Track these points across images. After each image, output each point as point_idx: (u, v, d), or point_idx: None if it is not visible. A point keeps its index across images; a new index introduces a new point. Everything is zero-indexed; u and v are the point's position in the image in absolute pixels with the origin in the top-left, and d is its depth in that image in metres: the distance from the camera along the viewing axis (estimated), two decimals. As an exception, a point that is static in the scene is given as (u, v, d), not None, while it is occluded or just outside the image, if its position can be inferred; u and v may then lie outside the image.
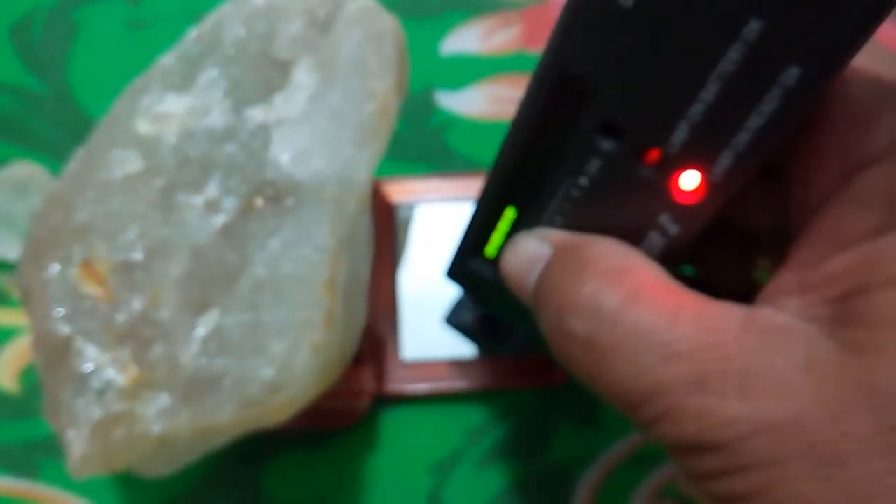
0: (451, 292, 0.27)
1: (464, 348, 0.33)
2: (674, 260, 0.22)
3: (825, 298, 0.18)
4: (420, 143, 0.37)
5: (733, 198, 0.20)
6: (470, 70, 0.38)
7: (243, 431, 0.25)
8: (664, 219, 0.21)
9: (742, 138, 0.19)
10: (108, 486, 0.32)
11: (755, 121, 0.18)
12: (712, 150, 0.19)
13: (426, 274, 0.34)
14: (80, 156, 0.26)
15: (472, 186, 0.35)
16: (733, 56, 0.17)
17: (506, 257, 0.24)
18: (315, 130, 0.25)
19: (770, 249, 0.24)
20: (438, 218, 0.35)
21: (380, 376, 0.33)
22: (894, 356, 0.16)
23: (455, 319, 0.32)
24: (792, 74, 0.17)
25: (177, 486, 0.32)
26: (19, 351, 0.34)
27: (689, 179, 0.20)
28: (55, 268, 0.24)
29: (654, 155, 0.20)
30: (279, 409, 0.24)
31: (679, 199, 0.21)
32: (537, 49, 0.38)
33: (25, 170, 0.35)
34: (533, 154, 0.22)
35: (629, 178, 0.21)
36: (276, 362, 0.23)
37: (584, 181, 0.22)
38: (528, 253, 0.23)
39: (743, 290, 0.23)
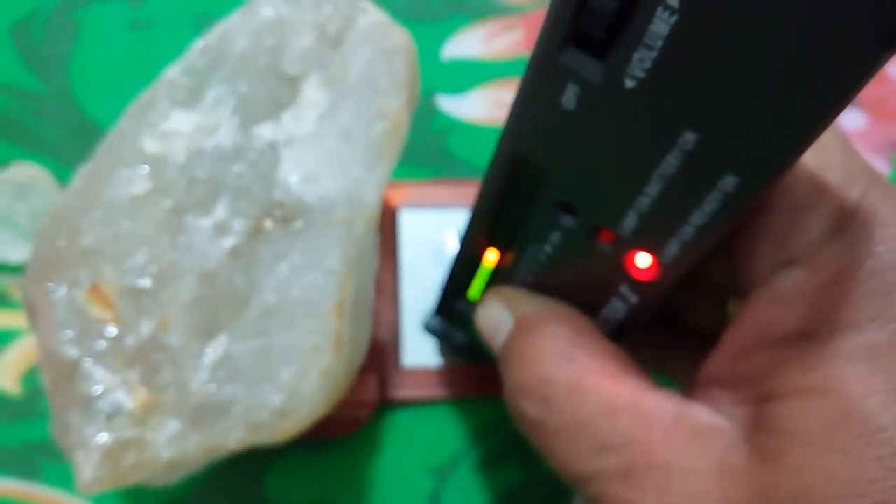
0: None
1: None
2: (643, 318, 0.23)
3: (747, 398, 0.19)
4: (421, 147, 0.37)
5: (686, 274, 0.21)
6: (472, 74, 0.38)
7: (248, 448, 0.25)
8: (624, 289, 0.22)
9: (687, 230, 0.19)
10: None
11: (698, 217, 0.19)
12: (660, 237, 0.20)
13: (427, 279, 0.34)
14: (85, 172, 0.26)
15: (474, 193, 0.35)
16: (672, 161, 0.17)
17: (478, 316, 0.26)
18: (324, 150, 0.25)
19: (739, 293, 0.24)
20: (439, 224, 0.35)
21: (382, 383, 0.33)
22: (792, 465, 0.17)
23: (434, 326, 0.32)
24: (729, 182, 0.17)
25: (178, 489, 0.32)
26: (21, 353, 0.34)
27: (643, 259, 0.21)
28: (62, 290, 0.24)
29: (607, 235, 0.21)
30: (286, 431, 0.24)
31: (635, 275, 0.22)
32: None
33: (26, 171, 0.35)
34: (502, 215, 0.23)
35: (587, 252, 0.22)
36: (285, 389, 0.24)
37: (548, 248, 0.23)
38: (494, 320, 0.25)
39: (714, 325, 0.24)
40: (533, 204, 0.22)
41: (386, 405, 0.33)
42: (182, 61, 0.26)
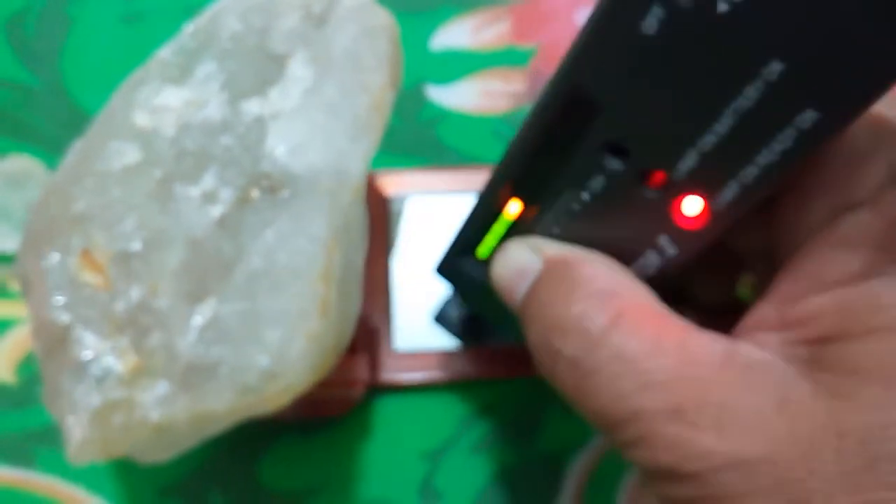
0: (443, 285, 0.28)
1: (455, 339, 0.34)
2: (668, 279, 0.22)
3: (803, 339, 0.19)
4: (412, 136, 0.37)
5: (734, 225, 0.20)
6: (461, 64, 0.38)
7: (240, 418, 0.25)
8: (663, 240, 0.21)
9: (750, 172, 0.18)
10: (104, 475, 0.32)
11: (765, 157, 0.18)
12: (719, 180, 0.19)
13: (418, 265, 0.34)
14: (77, 148, 0.26)
15: (464, 179, 0.35)
16: (751, 94, 0.17)
17: (496, 264, 0.24)
18: (310, 123, 0.26)
19: (753, 268, 0.24)
20: (431, 210, 0.35)
21: (373, 366, 0.33)
22: (865, 403, 0.17)
23: (443, 318, 0.33)
24: (808, 118, 0.17)
25: (172, 474, 0.33)
26: (16, 342, 0.34)
27: (692, 205, 0.20)
28: (54, 257, 0.25)
29: (658, 178, 0.20)
30: (275, 397, 0.24)
31: (680, 224, 0.21)
32: (526, 44, 0.38)
33: (21, 163, 0.35)
34: (537, 162, 0.22)
35: (631, 198, 0.21)
36: (272, 350, 0.24)
37: (585, 196, 0.22)
38: (519, 263, 0.23)
39: (723, 303, 0.24)
40: (577, 146, 0.20)
41: (378, 389, 0.34)
42: (174, 42, 0.27)
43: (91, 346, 0.24)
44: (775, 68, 0.16)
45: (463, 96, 0.38)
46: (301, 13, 0.27)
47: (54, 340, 0.24)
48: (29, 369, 0.34)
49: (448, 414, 0.34)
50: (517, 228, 0.24)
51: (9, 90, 0.37)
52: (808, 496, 0.17)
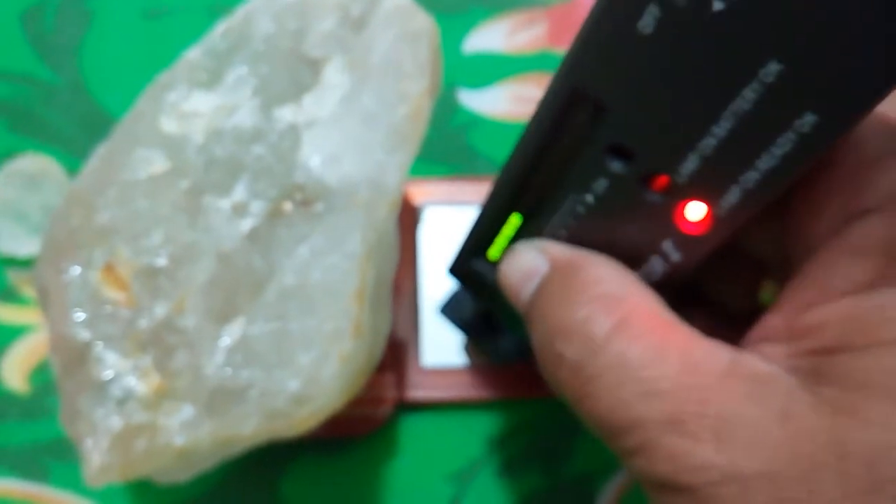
0: (456, 284, 0.28)
1: (491, 356, 0.32)
2: (675, 284, 0.22)
3: (809, 350, 0.18)
4: (442, 142, 0.36)
5: (738, 231, 0.20)
6: (493, 69, 0.37)
7: (265, 440, 0.24)
8: (667, 245, 0.21)
9: (751, 176, 0.18)
10: (118, 490, 0.31)
11: (766, 161, 0.18)
12: (721, 184, 0.19)
13: (446, 278, 0.33)
14: (101, 153, 0.25)
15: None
16: (749, 95, 0.17)
17: (504, 265, 0.24)
18: (346, 133, 0.24)
19: (774, 274, 0.24)
20: (461, 221, 0.34)
21: (400, 382, 0.32)
22: (869, 421, 0.16)
23: (450, 312, 0.31)
24: (808, 121, 0.16)
25: (191, 490, 0.31)
26: (29, 350, 0.33)
27: (695, 210, 0.20)
28: (76, 270, 0.23)
29: (661, 181, 0.20)
30: (304, 421, 0.23)
31: (683, 229, 0.21)
32: (563, 48, 0.37)
33: (37, 162, 0.34)
34: (542, 164, 0.22)
35: (635, 202, 0.21)
36: (304, 374, 0.23)
37: (589, 199, 0.21)
38: (525, 265, 0.23)
39: (746, 310, 0.23)
40: (580, 148, 0.21)
41: (404, 407, 0.32)
42: (203, 43, 0.26)
43: (112, 365, 0.23)
44: (773, 69, 0.16)
45: (495, 102, 0.36)
46: (338, 15, 0.25)
47: (73, 357, 0.23)
48: (42, 378, 0.32)
49: (477, 434, 0.33)
50: (526, 230, 0.24)
51: (25, 85, 0.36)
52: None
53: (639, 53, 0.17)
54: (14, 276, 0.33)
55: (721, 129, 0.18)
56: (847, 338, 0.17)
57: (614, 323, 0.20)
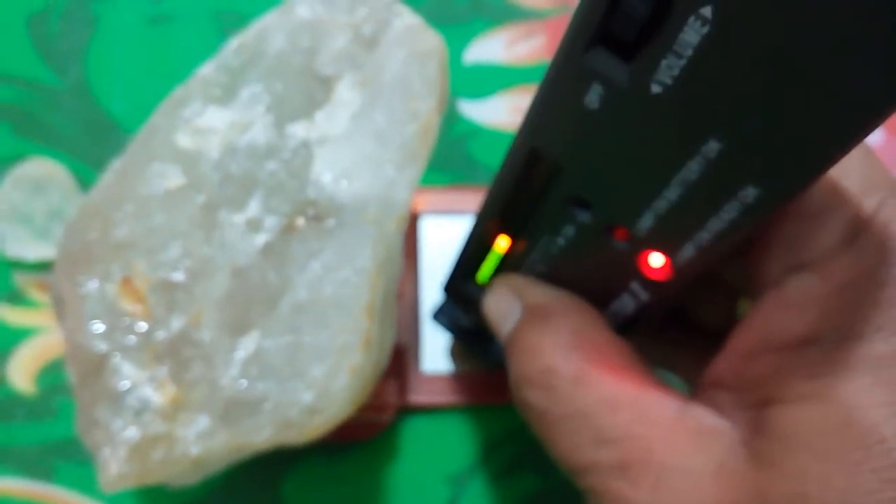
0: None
1: (483, 361, 0.33)
2: (652, 316, 0.23)
3: (749, 402, 0.19)
4: (442, 152, 0.36)
5: (701, 276, 0.21)
6: (493, 79, 0.38)
7: (273, 447, 0.25)
8: (635, 286, 0.22)
9: (703, 236, 0.19)
10: (125, 492, 0.32)
11: (715, 224, 0.18)
12: (676, 240, 0.20)
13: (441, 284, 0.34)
14: (116, 167, 0.26)
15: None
16: (694, 167, 0.17)
17: (486, 301, 0.26)
18: (357, 150, 0.25)
19: (749, 293, 0.24)
20: (460, 230, 0.35)
21: (402, 388, 0.33)
22: (789, 471, 0.17)
23: (442, 318, 0.32)
24: (750, 194, 0.17)
25: (195, 492, 0.32)
26: (36, 351, 0.33)
27: (657, 259, 0.21)
28: (93, 283, 0.24)
29: (622, 233, 0.21)
30: (315, 430, 0.24)
31: (647, 274, 0.21)
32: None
33: (43, 167, 0.34)
34: (515, 205, 0.23)
35: (601, 248, 0.22)
36: (316, 386, 0.23)
37: (561, 241, 0.23)
38: (502, 307, 0.25)
39: (723, 324, 0.24)
40: (547, 197, 0.21)
41: (404, 411, 0.33)
42: (217, 59, 0.26)
43: (129, 376, 0.23)
44: (713, 147, 0.16)
45: (495, 112, 0.37)
46: (350, 34, 0.26)
47: (90, 368, 0.24)
48: (49, 379, 0.33)
49: (474, 438, 0.34)
50: (509, 260, 0.25)
51: (30, 90, 0.36)
52: None
53: (587, 124, 0.18)
54: (21, 279, 0.34)
55: (671, 193, 0.18)
56: (779, 391, 0.18)
57: (573, 375, 0.21)
